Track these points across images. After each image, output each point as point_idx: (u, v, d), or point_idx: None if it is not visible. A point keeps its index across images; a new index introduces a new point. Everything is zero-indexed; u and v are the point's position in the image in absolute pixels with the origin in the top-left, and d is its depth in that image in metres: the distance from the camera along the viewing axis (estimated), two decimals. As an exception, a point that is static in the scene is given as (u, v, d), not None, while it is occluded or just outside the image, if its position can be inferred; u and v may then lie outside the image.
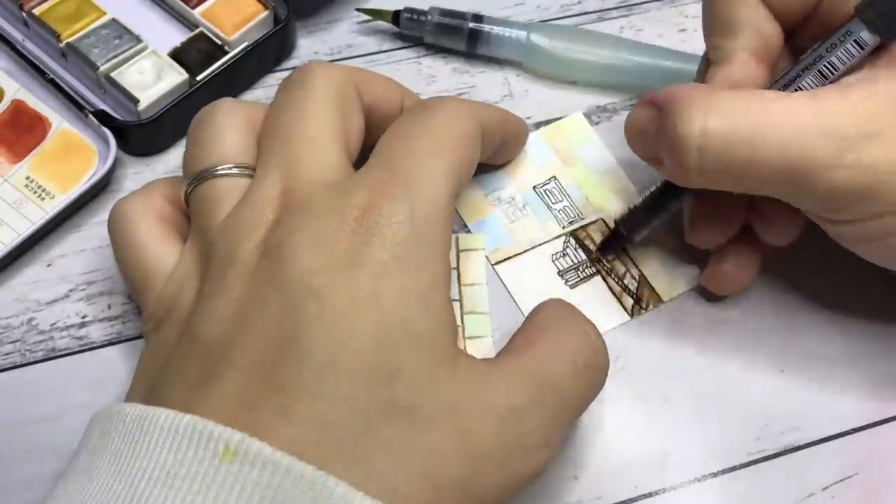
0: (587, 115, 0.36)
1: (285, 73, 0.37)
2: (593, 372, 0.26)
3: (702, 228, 0.30)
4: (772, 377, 0.31)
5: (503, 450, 0.22)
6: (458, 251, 0.32)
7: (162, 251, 0.26)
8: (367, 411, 0.21)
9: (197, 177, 0.26)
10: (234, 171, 0.26)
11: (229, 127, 0.26)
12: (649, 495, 0.28)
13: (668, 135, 0.26)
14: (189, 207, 0.27)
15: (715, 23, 0.28)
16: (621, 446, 0.29)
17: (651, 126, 0.27)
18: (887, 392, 0.31)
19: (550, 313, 0.27)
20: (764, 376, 0.31)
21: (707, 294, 0.32)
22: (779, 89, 0.27)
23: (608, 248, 0.33)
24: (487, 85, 0.37)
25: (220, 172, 0.26)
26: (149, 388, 0.24)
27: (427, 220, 0.23)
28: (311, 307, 0.22)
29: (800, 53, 0.28)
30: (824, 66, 0.26)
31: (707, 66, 0.29)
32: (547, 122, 0.36)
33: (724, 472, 0.29)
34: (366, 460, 0.21)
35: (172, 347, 0.24)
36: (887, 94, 0.25)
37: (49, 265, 0.32)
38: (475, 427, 0.22)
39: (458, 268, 0.32)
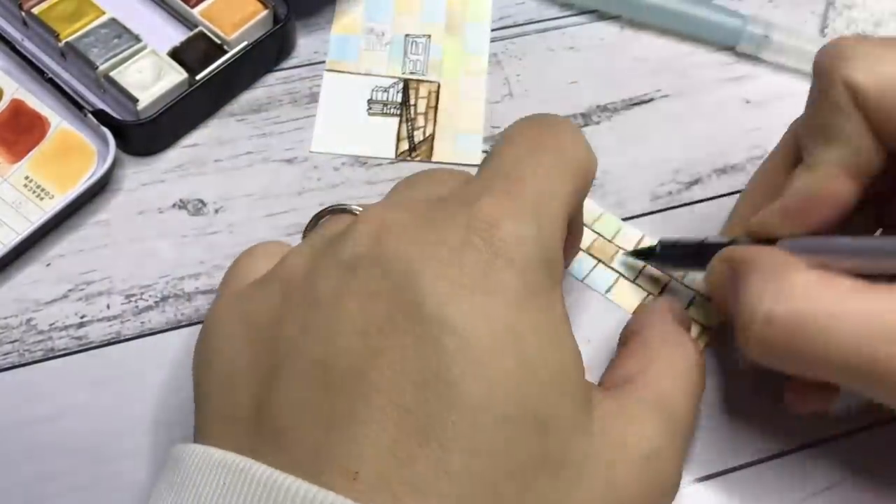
0: (587, 115, 0.36)
1: (285, 73, 0.37)
2: (699, 394, 0.25)
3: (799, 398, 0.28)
4: (771, 377, 0.31)
5: (644, 494, 0.22)
6: None
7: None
8: (526, 465, 0.19)
9: (326, 210, 0.26)
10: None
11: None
12: (649, 496, 0.28)
13: (738, 307, 0.25)
14: None
15: (813, 126, 0.26)
16: (621, 446, 0.29)
17: (728, 285, 0.26)
18: (887, 392, 0.31)
19: (650, 331, 0.26)
20: (763, 376, 0.31)
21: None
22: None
23: (638, 256, 0.32)
24: (488, 84, 0.37)
25: (347, 208, 0.26)
26: (252, 409, 0.21)
27: (551, 246, 0.22)
28: (448, 342, 0.19)
29: None
30: None
31: (781, 157, 0.29)
32: (547, 122, 0.36)
33: (724, 472, 0.29)
34: None
35: (272, 360, 0.21)
36: None
37: (48, 265, 0.32)
38: (619, 475, 0.21)
39: None
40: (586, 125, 0.36)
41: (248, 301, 0.23)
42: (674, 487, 0.23)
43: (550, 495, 0.20)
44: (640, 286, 0.32)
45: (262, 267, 0.24)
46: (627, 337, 0.27)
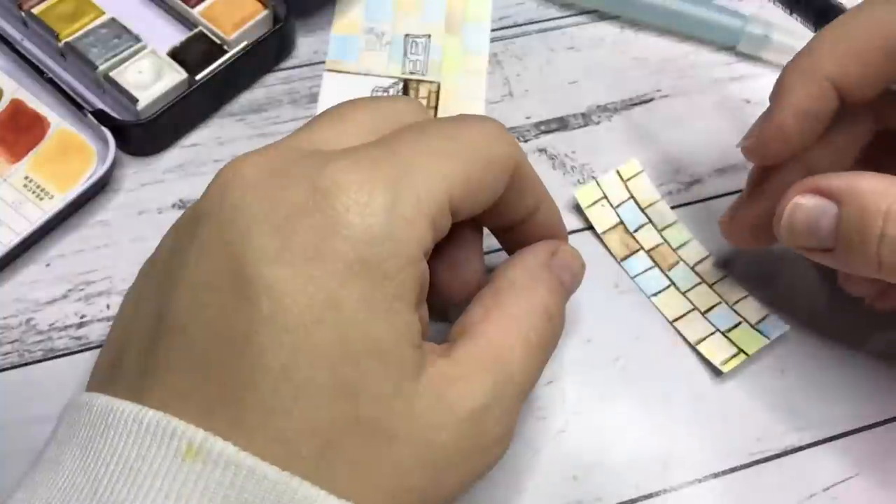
0: (587, 115, 0.36)
1: (285, 73, 0.37)
2: (546, 349, 0.24)
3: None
4: (772, 377, 0.31)
5: (462, 453, 0.22)
6: (625, 181, 0.34)
7: None
8: (329, 427, 0.20)
9: None
10: None
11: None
12: (650, 496, 0.28)
13: (849, 236, 0.24)
14: None
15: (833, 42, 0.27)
16: (622, 446, 0.29)
17: (825, 217, 0.25)
18: (887, 392, 0.31)
19: (507, 275, 0.25)
20: (764, 376, 0.31)
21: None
22: None
23: None
24: (488, 84, 0.37)
25: None
26: (111, 362, 0.23)
27: (407, 221, 0.21)
28: (263, 305, 0.20)
29: None
30: None
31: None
32: (547, 122, 0.36)
33: (724, 472, 0.29)
34: (326, 476, 0.20)
35: (137, 309, 0.23)
36: None
37: (48, 265, 0.32)
38: (437, 436, 0.21)
39: (632, 195, 0.34)
40: (586, 125, 0.36)
41: (157, 249, 0.24)
42: (499, 444, 0.23)
43: (356, 454, 0.20)
44: (688, 300, 0.32)
45: None
46: (487, 285, 0.25)
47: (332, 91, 0.36)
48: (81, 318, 0.31)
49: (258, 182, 0.21)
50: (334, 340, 0.20)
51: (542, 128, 0.36)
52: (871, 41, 0.26)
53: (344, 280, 0.20)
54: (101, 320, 0.31)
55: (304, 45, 0.38)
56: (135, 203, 0.33)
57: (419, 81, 0.37)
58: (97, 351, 0.30)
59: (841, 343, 0.31)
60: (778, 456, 0.29)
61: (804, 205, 0.26)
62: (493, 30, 0.39)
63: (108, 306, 0.31)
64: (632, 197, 0.34)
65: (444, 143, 0.23)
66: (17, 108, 0.34)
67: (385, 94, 0.36)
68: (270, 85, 0.37)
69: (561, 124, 0.36)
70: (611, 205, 0.33)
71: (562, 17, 0.39)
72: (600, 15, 0.39)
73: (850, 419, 0.30)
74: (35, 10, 0.35)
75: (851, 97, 0.27)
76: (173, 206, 0.33)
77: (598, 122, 0.36)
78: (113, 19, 0.35)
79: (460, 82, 0.37)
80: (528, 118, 0.36)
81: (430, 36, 0.38)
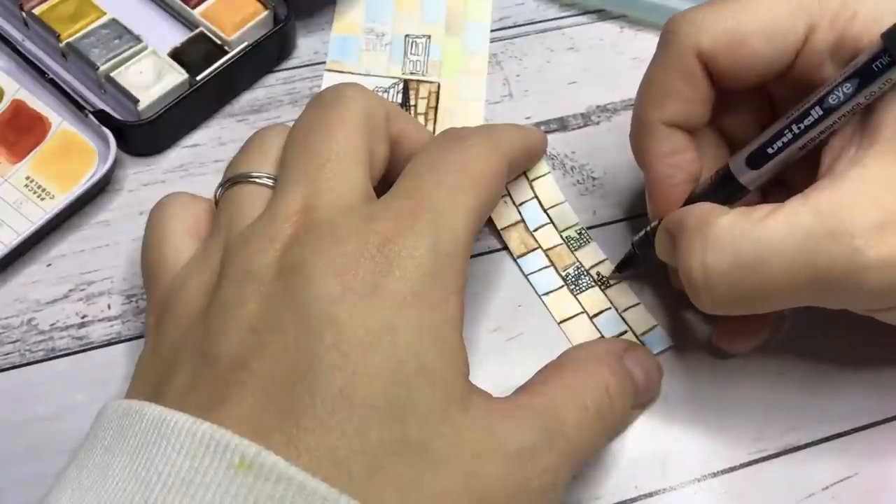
0: (587, 115, 0.36)
1: (285, 73, 0.37)
2: (604, 422, 0.25)
3: (729, 336, 0.30)
4: (771, 377, 0.31)
5: (507, 492, 0.22)
6: (530, 181, 0.33)
7: (182, 244, 0.26)
8: (378, 447, 0.21)
9: (231, 179, 0.26)
10: (267, 181, 0.26)
11: (277, 141, 0.27)
12: (649, 495, 0.28)
13: (681, 270, 0.25)
14: (217, 209, 0.27)
15: (648, 90, 0.28)
16: (621, 446, 0.29)
17: (672, 252, 0.27)
18: (887, 392, 0.31)
19: (573, 355, 0.27)
20: (763, 376, 0.31)
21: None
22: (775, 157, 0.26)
23: (625, 268, 0.32)
24: (488, 84, 0.37)
25: (252, 179, 0.26)
26: (152, 393, 0.23)
27: (448, 256, 0.23)
28: (326, 336, 0.21)
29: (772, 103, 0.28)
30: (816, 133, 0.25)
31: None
32: (546, 122, 0.36)
33: (724, 472, 0.29)
34: (374, 498, 0.20)
35: (176, 352, 0.24)
36: (880, 175, 0.23)
37: (49, 265, 0.32)
38: (483, 468, 0.22)
39: (536, 196, 0.33)
40: (586, 125, 0.36)
41: (182, 288, 0.25)
42: (545, 493, 0.23)
43: (403, 477, 0.21)
44: (579, 302, 0.32)
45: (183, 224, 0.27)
46: (549, 362, 0.27)
47: (333, 91, 0.36)
48: (82, 318, 0.31)
49: (312, 240, 0.23)
50: (388, 363, 0.21)
51: (542, 128, 0.36)
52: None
53: (399, 310, 0.22)
54: (101, 320, 0.31)
55: (305, 45, 0.38)
56: (136, 203, 0.33)
57: (419, 82, 0.37)
58: (98, 351, 0.30)
59: (839, 343, 0.31)
60: (776, 455, 0.29)
61: (661, 242, 0.28)
62: (493, 30, 0.39)
63: (108, 306, 0.31)
64: (535, 197, 0.33)
65: (460, 178, 0.25)
66: (18, 108, 0.34)
67: (385, 94, 0.36)
68: (271, 85, 0.37)
69: (560, 125, 0.36)
70: (513, 202, 0.33)
71: (562, 18, 0.39)
72: (600, 15, 0.39)
73: (850, 419, 0.30)
74: (36, 11, 0.35)
75: (732, 85, 0.27)
76: (174, 206, 0.33)
77: (597, 123, 0.36)
78: (114, 20, 0.35)
79: (460, 82, 0.37)
80: (527, 118, 0.36)
81: (430, 36, 0.38)
